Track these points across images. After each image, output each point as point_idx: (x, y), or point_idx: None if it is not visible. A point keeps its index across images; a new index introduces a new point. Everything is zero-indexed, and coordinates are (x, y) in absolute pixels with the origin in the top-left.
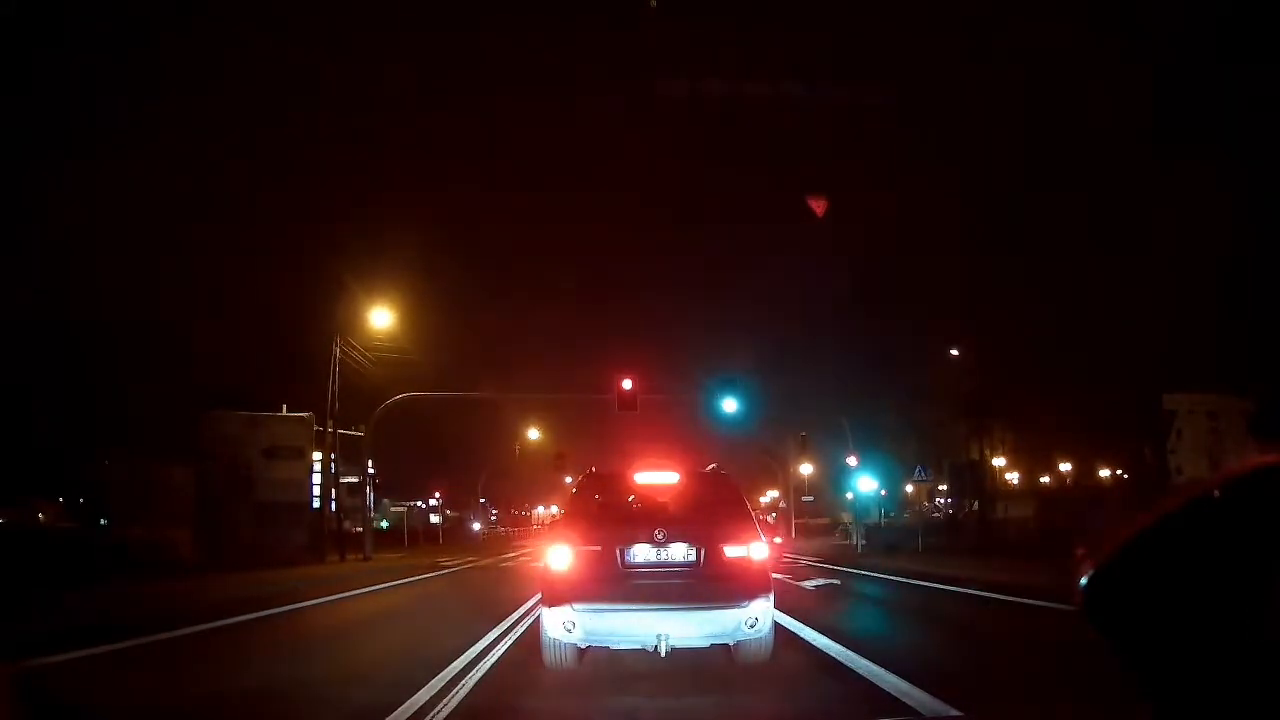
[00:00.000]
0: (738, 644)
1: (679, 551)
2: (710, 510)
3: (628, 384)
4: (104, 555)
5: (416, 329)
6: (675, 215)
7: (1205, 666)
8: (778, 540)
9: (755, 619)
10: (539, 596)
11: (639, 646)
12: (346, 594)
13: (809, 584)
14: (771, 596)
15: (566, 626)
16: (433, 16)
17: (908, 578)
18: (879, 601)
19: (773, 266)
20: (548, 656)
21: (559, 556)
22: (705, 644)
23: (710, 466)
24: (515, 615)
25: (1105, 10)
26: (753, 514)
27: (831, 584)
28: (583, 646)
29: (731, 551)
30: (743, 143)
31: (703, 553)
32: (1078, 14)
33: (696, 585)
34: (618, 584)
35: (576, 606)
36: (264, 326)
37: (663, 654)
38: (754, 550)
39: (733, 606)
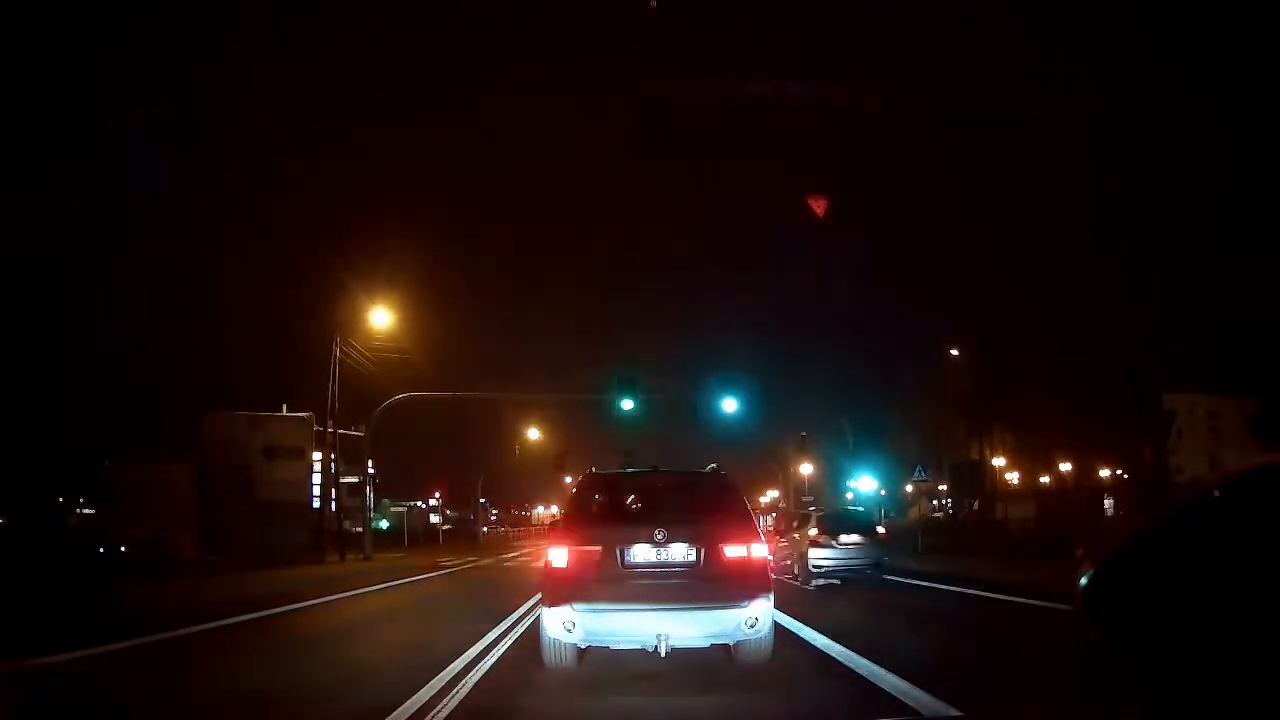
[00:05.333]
0: (738, 644)
1: (679, 552)
2: (710, 510)
3: (628, 394)
4: (105, 555)
5: (417, 329)
6: (676, 214)
7: (1204, 665)
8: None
9: (755, 619)
10: (539, 596)
11: (639, 646)
12: (347, 594)
13: (809, 584)
14: (771, 596)
15: (567, 626)
16: (433, 19)
17: (907, 577)
18: (879, 601)
19: (773, 266)
20: (548, 656)
21: (559, 557)
22: (705, 644)
23: (710, 466)
24: (515, 615)
25: (1104, 9)
26: (752, 515)
27: (831, 583)
28: (583, 646)
29: (731, 552)
30: (743, 143)
31: (702, 553)
32: (1076, 13)
33: (696, 585)
34: (618, 584)
35: (577, 606)
36: (265, 327)
37: (663, 654)
38: (754, 550)
39: (732, 606)
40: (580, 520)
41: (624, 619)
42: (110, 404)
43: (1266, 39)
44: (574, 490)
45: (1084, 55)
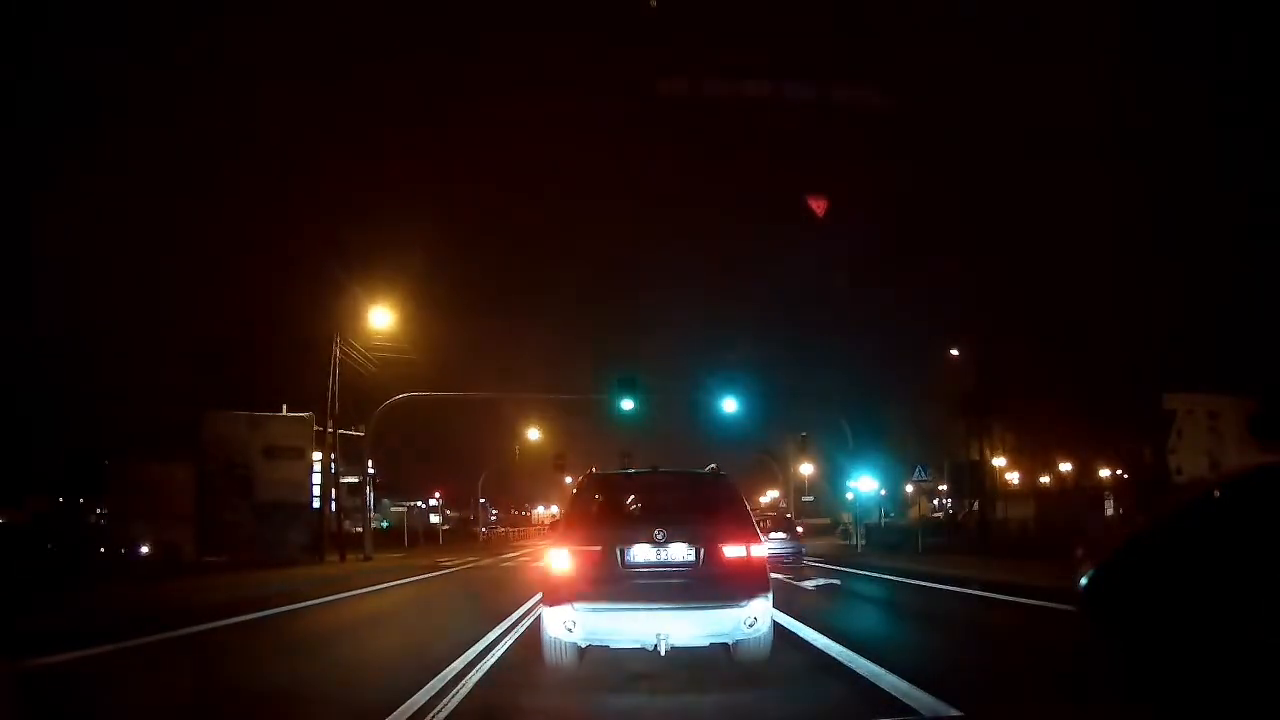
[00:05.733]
0: (737, 643)
1: (678, 552)
2: (709, 511)
3: (628, 395)
4: (104, 554)
5: (417, 330)
6: (676, 215)
7: (1204, 664)
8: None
9: (754, 619)
10: (539, 596)
11: (639, 646)
12: (347, 594)
13: (809, 583)
14: (770, 596)
15: (567, 626)
16: (434, 19)
17: (908, 577)
18: (879, 601)
19: (773, 266)
20: (548, 655)
21: (560, 557)
22: (704, 643)
23: (710, 467)
24: (515, 615)
25: (1104, 8)
26: (750, 514)
27: (831, 584)
28: (583, 646)
29: (730, 552)
30: (743, 143)
31: (701, 553)
32: (1076, 13)
33: (695, 585)
34: (618, 584)
35: (577, 606)
36: (265, 327)
37: (662, 653)
38: (753, 550)
39: (731, 606)
40: (581, 520)
41: (624, 618)
42: (111, 403)
43: (1265, 42)
44: (575, 490)
45: (1084, 55)
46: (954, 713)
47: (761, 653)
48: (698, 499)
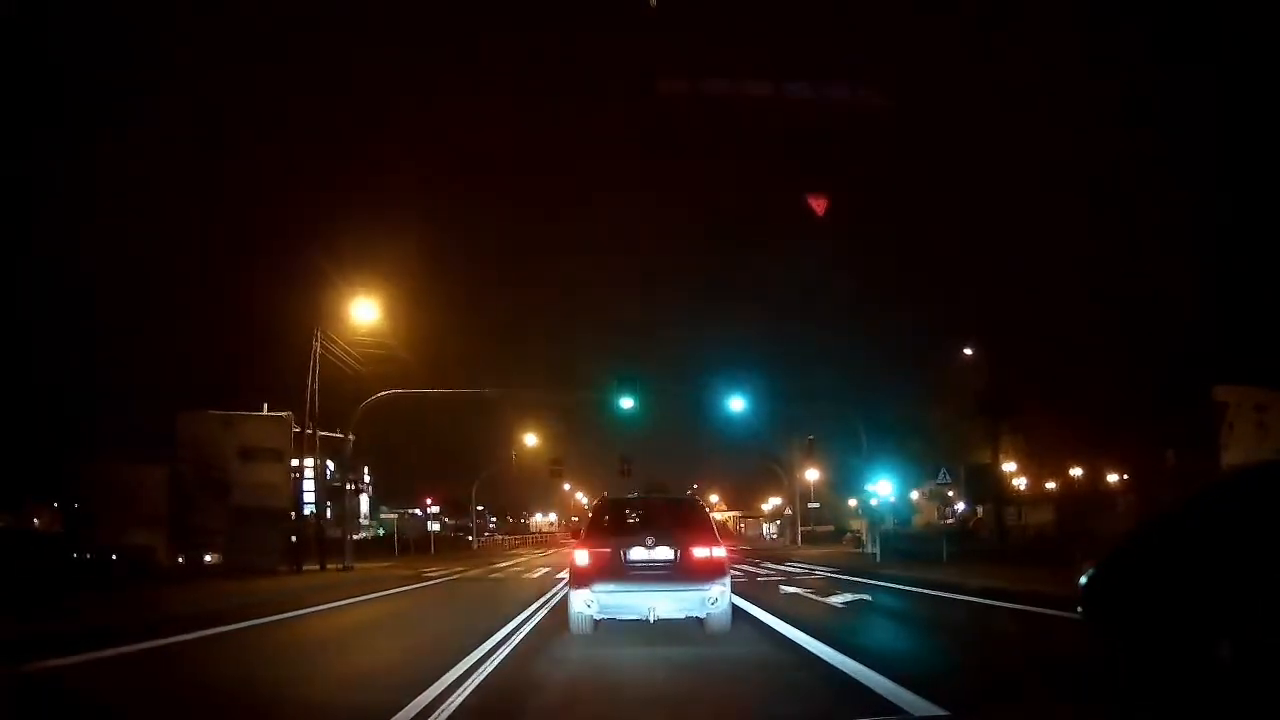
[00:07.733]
0: (706, 616)
1: (663, 552)
2: (685, 524)
3: (628, 393)
4: (76, 561)
5: (410, 330)
6: (676, 215)
7: (1202, 665)
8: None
9: (715, 598)
10: (530, 611)
11: (636, 617)
12: (330, 605)
13: (836, 600)
14: (728, 581)
15: (587, 603)
16: (433, 16)
17: (944, 590)
18: (923, 621)
19: (776, 267)
20: (574, 625)
21: (581, 556)
22: (680, 616)
23: (689, 492)
24: (498, 637)
25: (1109, 8)
26: (714, 526)
27: (861, 599)
28: (598, 619)
29: (699, 552)
30: (743, 142)
31: (679, 553)
32: (1081, 12)
33: (674, 574)
34: (621, 573)
35: (594, 588)
36: (244, 322)
37: (651, 621)
38: (714, 551)
39: (699, 589)
40: (596, 531)
41: (626, 597)
42: (80, 402)
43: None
44: (591, 510)
45: (1091, 51)
46: (940, 712)
47: (724, 624)
48: (677, 516)
